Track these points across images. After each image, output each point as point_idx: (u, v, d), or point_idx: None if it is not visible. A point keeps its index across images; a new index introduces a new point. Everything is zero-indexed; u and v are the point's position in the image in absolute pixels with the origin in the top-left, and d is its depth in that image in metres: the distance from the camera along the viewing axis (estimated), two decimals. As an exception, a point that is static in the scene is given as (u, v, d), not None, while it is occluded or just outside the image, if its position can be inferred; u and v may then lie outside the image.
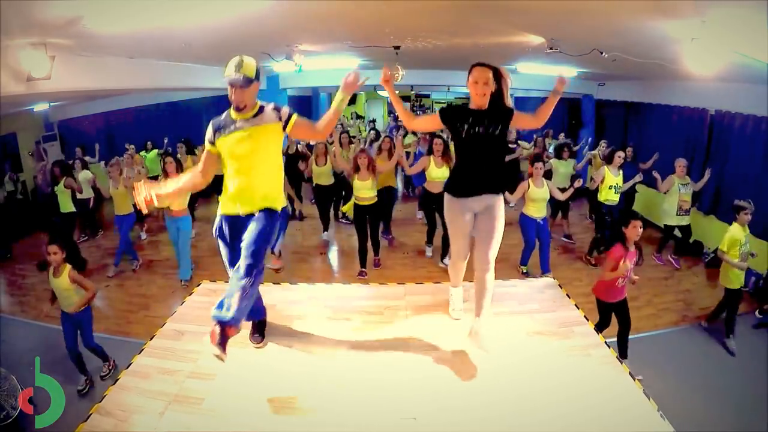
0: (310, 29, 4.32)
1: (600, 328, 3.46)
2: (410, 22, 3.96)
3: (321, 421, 1.92)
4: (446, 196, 2.34)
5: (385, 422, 1.91)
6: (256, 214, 2.02)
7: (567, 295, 2.88)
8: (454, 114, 2.20)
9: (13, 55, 3.41)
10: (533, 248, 5.03)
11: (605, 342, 2.43)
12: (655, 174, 5.55)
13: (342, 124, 12.15)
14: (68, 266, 3.29)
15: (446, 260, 5.30)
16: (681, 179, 5.30)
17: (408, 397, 2.03)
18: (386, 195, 5.78)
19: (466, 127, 2.15)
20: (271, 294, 2.66)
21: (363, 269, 5.16)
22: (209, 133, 2.06)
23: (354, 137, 7.76)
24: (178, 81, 5.94)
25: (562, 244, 6.14)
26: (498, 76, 2.17)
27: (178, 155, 6.50)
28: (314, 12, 3.45)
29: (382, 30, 4.34)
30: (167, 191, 2.07)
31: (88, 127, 8.85)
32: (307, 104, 11.79)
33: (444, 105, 2.34)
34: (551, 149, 7.31)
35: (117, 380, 2.16)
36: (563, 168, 6.26)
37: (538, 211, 4.90)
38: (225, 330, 1.86)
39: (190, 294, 2.93)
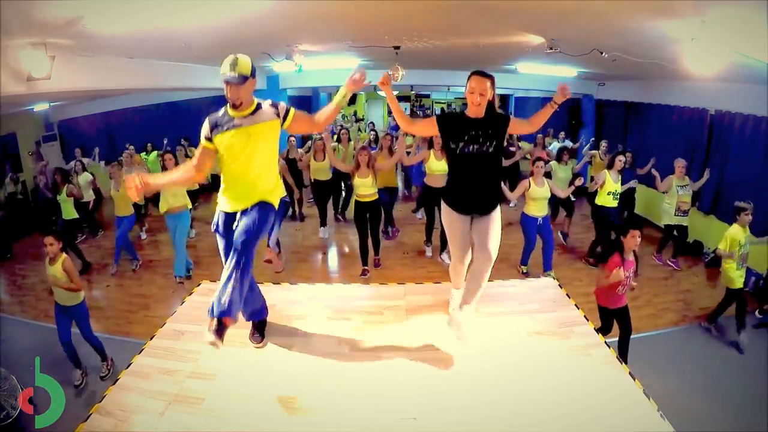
0: (310, 29, 4.32)
1: (600, 333, 3.46)
2: (410, 22, 3.97)
3: (321, 421, 1.92)
4: (443, 205, 2.35)
5: (385, 422, 1.91)
6: (251, 207, 2.05)
7: (567, 295, 2.88)
8: (450, 127, 2.20)
9: (13, 55, 3.41)
10: (533, 247, 5.02)
11: (605, 342, 2.43)
12: (654, 172, 5.54)
13: (342, 121, 12.16)
14: (64, 255, 3.41)
15: (444, 255, 5.34)
16: (680, 180, 5.30)
17: (408, 397, 2.03)
18: (387, 195, 5.79)
19: (460, 145, 2.15)
20: (271, 294, 2.65)
21: (365, 267, 5.18)
22: (205, 128, 2.05)
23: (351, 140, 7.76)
24: (178, 81, 5.94)
25: (560, 242, 6.14)
26: (493, 86, 2.18)
27: (178, 156, 6.52)
28: (314, 12, 3.45)
29: (382, 30, 4.34)
30: (158, 181, 2.07)
31: (88, 128, 8.85)
32: (307, 104, 11.78)
33: (442, 108, 2.34)
34: (552, 147, 7.30)
35: (117, 380, 2.16)
36: (562, 173, 6.25)
37: (539, 209, 4.90)
38: (222, 320, 1.90)
39: (190, 294, 2.93)
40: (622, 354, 3.43)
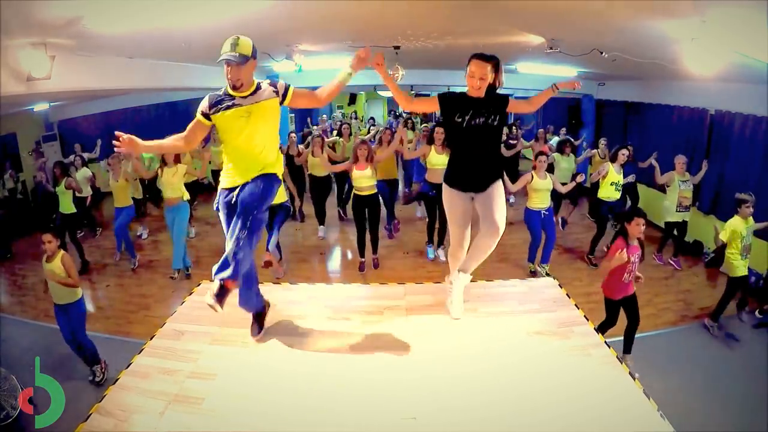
0: (310, 29, 4.32)
1: (605, 326, 3.47)
2: (410, 22, 3.97)
3: (321, 421, 1.91)
4: (444, 186, 2.39)
5: (385, 422, 1.91)
6: (253, 178, 2.06)
7: (567, 295, 2.88)
8: (454, 104, 2.22)
9: (13, 55, 3.40)
10: (540, 243, 4.99)
11: (605, 342, 2.43)
12: (655, 163, 5.54)
13: (341, 120, 12.15)
14: (62, 252, 3.40)
15: (440, 250, 5.35)
16: (681, 176, 5.31)
17: (408, 397, 2.03)
18: (388, 187, 5.80)
19: (466, 118, 2.17)
20: (271, 294, 2.65)
21: (362, 260, 5.21)
22: (204, 104, 2.05)
23: (353, 134, 7.79)
24: (178, 81, 5.94)
25: (559, 242, 6.13)
26: (497, 68, 2.21)
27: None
28: (314, 12, 3.45)
29: (382, 30, 4.34)
30: (147, 144, 2.07)
31: (88, 128, 8.83)
32: (306, 104, 11.77)
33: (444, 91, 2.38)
34: (553, 142, 7.32)
35: (117, 380, 2.16)
36: (565, 163, 6.29)
37: (541, 201, 4.88)
38: (224, 284, 1.91)
39: (190, 294, 2.92)
40: (627, 344, 3.45)
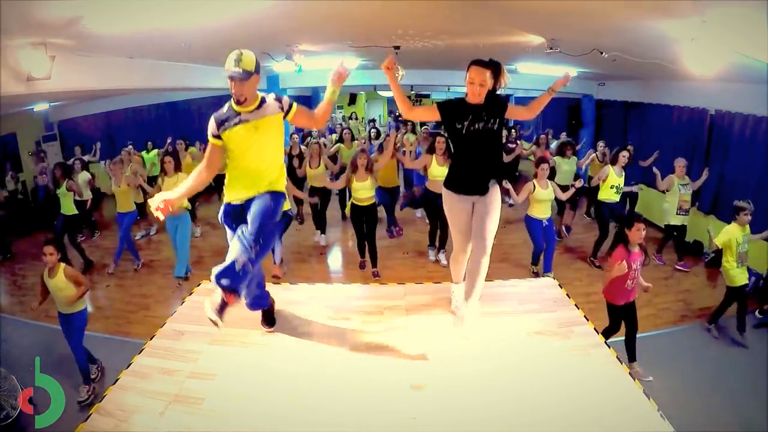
0: (310, 29, 4.32)
1: (609, 332, 3.46)
2: (410, 22, 3.97)
3: (321, 421, 1.92)
4: (444, 191, 2.40)
5: (385, 422, 1.91)
6: (259, 195, 2.07)
7: (567, 295, 2.88)
8: (453, 111, 2.23)
9: (13, 55, 3.41)
10: (542, 249, 5.01)
11: (605, 342, 2.43)
12: (655, 170, 5.54)
13: (341, 123, 12.15)
14: (62, 265, 3.34)
15: (440, 254, 5.34)
16: (680, 179, 5.30)
17: (408, 397, 2.03)
18: (388, 195, 5.80)
19: (465, 124, 2.19)
20: (271, 294, 2.65)
21: (363, 259, 5.23)
22: (212, 126, 2.07)
23: (355, 139, 7.76)
24: (177, 81, 5.94)
25: (563, 238, 6.14)
26: (497, 73, 2.21)
27: (177, 149, 6.58)
28: (314, 12, 3.45)
29: (382, 30, 4.34)
30: (177, 196, 2.09)
31: (88, 128, 8.86)
32: (307, 104, 11.68)
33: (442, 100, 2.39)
34: (553, 146, 7.31)
35: (117, 380, 2.16)
36: (566, 165, 6.27)
37: (543, 212, 4.89)
38: (224, 297, 1.92)
39: (190, 294, 2.93)
40: (630, 352, 3.43)
